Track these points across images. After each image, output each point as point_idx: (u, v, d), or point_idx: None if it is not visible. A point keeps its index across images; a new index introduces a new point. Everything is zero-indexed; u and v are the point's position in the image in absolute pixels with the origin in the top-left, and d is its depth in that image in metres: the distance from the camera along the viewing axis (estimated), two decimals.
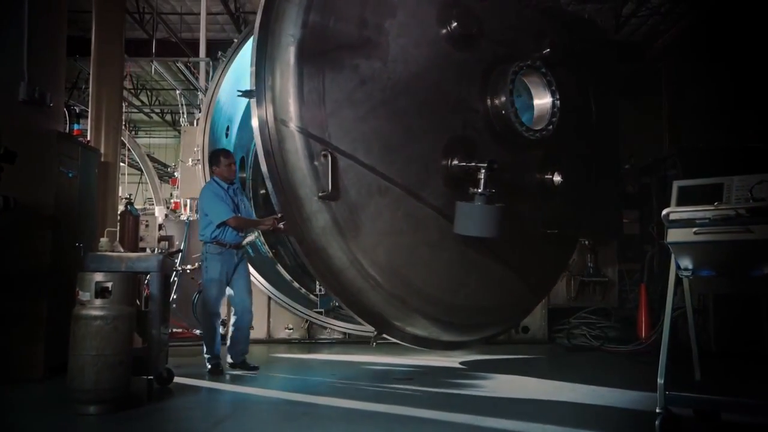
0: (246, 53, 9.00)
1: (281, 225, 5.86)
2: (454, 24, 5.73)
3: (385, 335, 5.89)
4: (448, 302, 5.87)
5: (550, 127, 6.02)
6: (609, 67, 7.40)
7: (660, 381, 3.59)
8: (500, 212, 5.37)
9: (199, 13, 12.63)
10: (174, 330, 9.25)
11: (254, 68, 5.31)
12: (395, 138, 5.52)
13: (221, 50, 9.25)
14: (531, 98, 6.21)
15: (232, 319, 6.35)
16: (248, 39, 8.95)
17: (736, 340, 6.94)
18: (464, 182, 5.55)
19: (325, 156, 5.12)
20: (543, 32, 6.33)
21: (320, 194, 5.13)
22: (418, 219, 5.60)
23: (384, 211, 5.46)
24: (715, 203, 3.66)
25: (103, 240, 4.99)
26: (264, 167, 5.30)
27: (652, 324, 7.98)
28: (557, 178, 6.24)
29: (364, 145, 5.37)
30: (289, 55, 5.24)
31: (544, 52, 6.16)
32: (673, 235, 3.76)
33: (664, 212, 3.83)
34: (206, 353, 6.19)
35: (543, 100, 6.14)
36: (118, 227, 8.10)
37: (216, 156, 6.53)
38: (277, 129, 5.24)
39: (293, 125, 5.18)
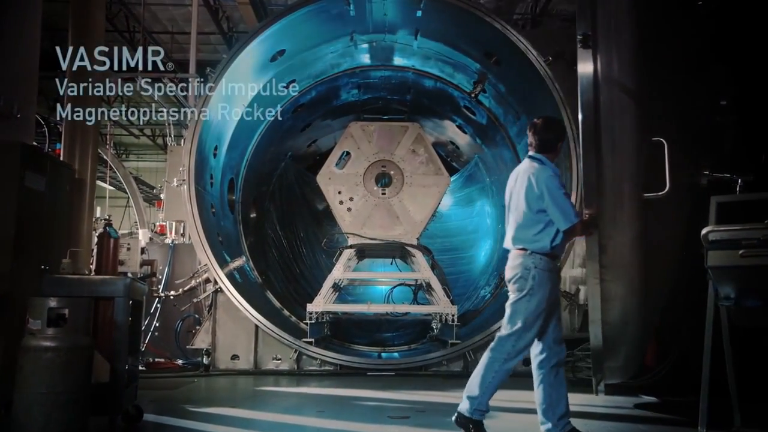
0: (236, 70, 8.64)
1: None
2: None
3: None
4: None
5: None
6: None
7: (701, 430, 3.10)
8: None
9: (190, 33, 12.30)
10: (155, 360, 8.78)
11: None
12: (675, 135, 4.60)
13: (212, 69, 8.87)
14: None
15: (541, 362, 4.44)
16: (237, 56, 8.60)
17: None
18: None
19: (659, 144, 4.14)
20: None
21: (647, 195, 4.16)
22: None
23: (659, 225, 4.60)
24: (766, 221, 3.18)
25: (65, 261, 4.51)
26: (585, 146, 4.23)
27: (660, 355, 7.52)
28: None
29: (666, 137, 4.37)
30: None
31: None
32: (715, 258, 3.28)
33: (703, 232, 3.37)
34: (550, 421, 4.31)
35: None
36: (95, 250, 7.57)
37: (557, 126, 4.58)
38: (613, 98, 4.17)
39: (632, 96, 4.11)
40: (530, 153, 4.49)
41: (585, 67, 4.28)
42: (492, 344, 4.38)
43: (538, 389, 4.39)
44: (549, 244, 4.24)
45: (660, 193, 4.04)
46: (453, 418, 4.40)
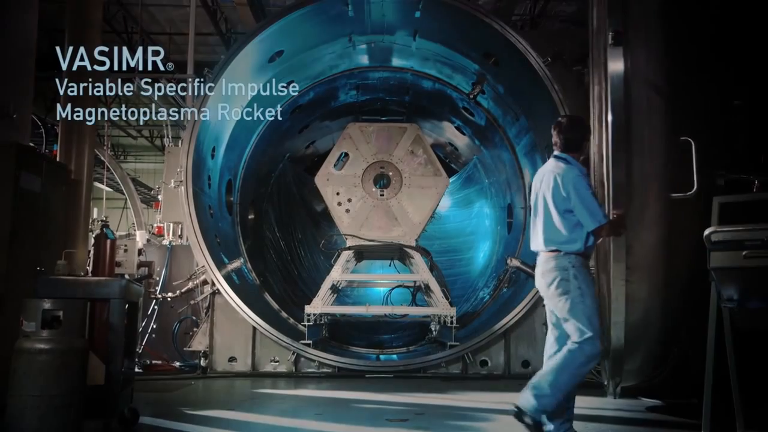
0: (234, 71, 8.59)
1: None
2: None
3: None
4: None
5: None
6: None
7: None
8: None
9: (188, 33, 12.25)
10: (152, 362, 8.73)
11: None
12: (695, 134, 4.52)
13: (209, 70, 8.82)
14: None
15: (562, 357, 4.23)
16: (235, 56, 8.56)
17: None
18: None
19: (687, 143, 4.08)
20: None
21: (674, 195, 4.13)
22: None
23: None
24: None
25: (60, 263, 4.46)
26: (615, 145, 4.21)
27: (661, 357, 7.48)
28: None
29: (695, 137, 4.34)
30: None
31: None
32: (718, 259, 3.24)
33: (706, 232, 3.32)
34: (553, 423, 4.17)
35: None
36: (92, 251, 7.53)
37: (582, 124, 4.48)
38: (643, 96, 4.20)
39: (662, 94, 4.14)
40: (555, 153, 4.41)
41: (615, 65, 4.27)
42: (569, 345, 4.14)
43: None
44: (583, 245, 4.13)
45: (688, 194, 4.00)
46: (513, 411, 4.20)
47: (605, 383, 5.79)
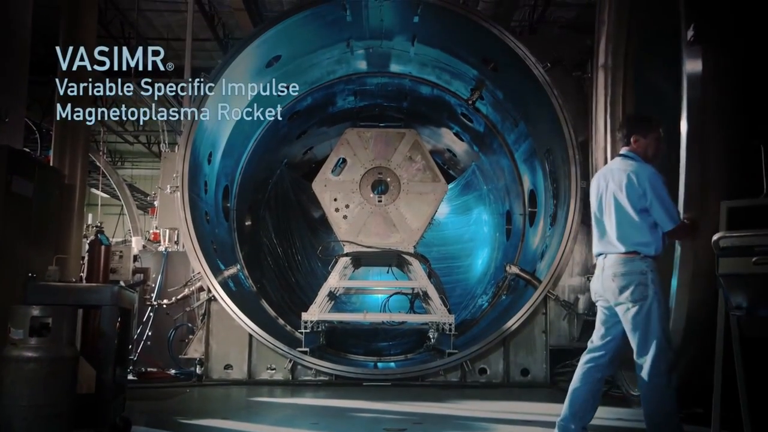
0: (232, 76, 8.51)
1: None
2: None
3: None
4: None
5: None
6: None
7: None
8: None
9: (185, 39, 12.20)
10: (148, 370, 8.63)
11: None
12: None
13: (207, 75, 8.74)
14: None
15: (595, 367, 4.12)
16: (232, 61, 8.49)
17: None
18: None
19: (759, 147, 3.91)
20: None
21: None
22: None
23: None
24: None
25: (52, 268, 4.38)
26: (689, 146, 4.11)
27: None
28: None
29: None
30: None
31: None
32: (727, 266, 3.15)
33: (714, 238, 3.25)
34: (574, 425, 4.10)
35: None
36: (86, 257, 7.43)
37: (644, 121, 4.34)
38: (718, 97, 4.09)
39: (739, 96, 4.08)
40: (622, 151, 4.27)
41: (693, 65, 4.15)
42: (643, 379, 3.93)
43: (579, 390, 4.10)
44: (660, 246, 3.96)
45: (757, 199, 3.85)
46: None
47: (633, 393, 5.63)
